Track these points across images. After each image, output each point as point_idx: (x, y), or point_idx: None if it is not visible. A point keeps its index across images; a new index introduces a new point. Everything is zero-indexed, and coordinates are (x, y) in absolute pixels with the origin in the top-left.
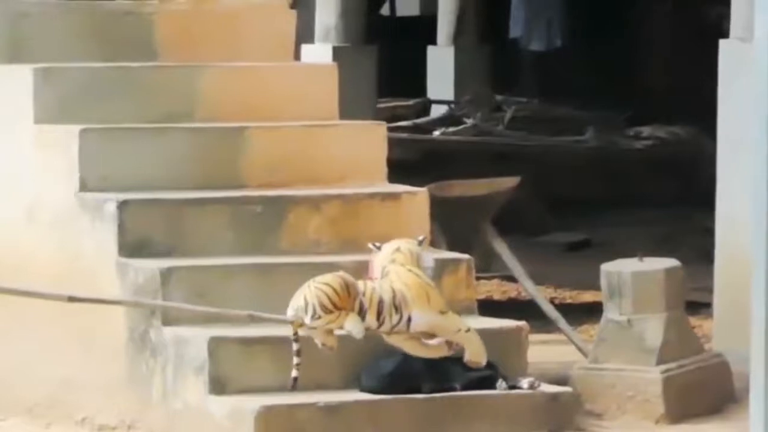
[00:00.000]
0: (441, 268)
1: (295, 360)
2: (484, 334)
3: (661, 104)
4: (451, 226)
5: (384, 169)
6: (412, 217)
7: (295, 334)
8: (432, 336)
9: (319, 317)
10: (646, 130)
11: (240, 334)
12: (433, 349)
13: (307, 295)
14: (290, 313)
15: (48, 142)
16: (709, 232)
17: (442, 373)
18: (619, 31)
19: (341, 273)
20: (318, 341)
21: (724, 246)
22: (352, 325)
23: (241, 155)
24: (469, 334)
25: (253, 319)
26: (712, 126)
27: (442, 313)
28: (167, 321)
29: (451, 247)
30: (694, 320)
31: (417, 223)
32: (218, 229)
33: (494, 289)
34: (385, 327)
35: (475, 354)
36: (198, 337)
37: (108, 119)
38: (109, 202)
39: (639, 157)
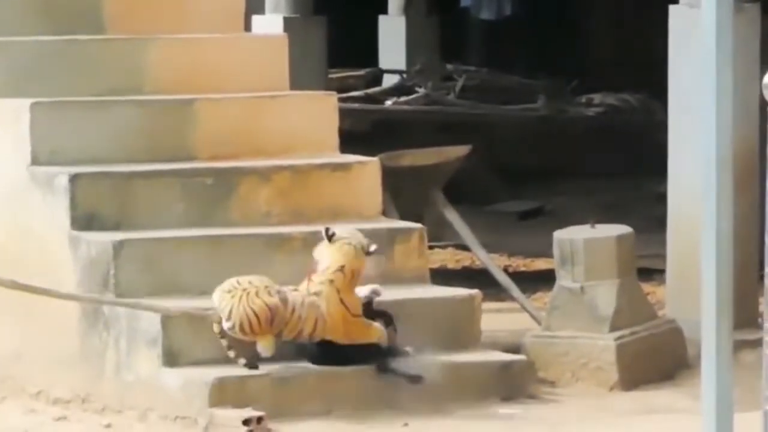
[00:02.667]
0: (392, 237)
1: (231, 354)
2: (436, 302)
3: (608, 72)
4: (402, 195)
5: (335, 140)
6: (362, 187)
7: (221, 332)
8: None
9: (236, 333)
10: (596, 98)
11: (192, 307)
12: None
13: (234, 310)
14: (215, 301)
15: None
16: (661, 199)
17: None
18: None
19: (276, 299)
20: (225, 344)
21: (676, 212)
22: (263, 348)
23: (190, 127)
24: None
25: (172, 313)
26: (661, 92)
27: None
28: (120, 294)
29: (403, 217)
30: (646, 287)
31: (368, 193)
32: (169, 201)
33: (448, 257)
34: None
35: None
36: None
37: (57, 93)
38: (61, 176)
39: (590, 124)
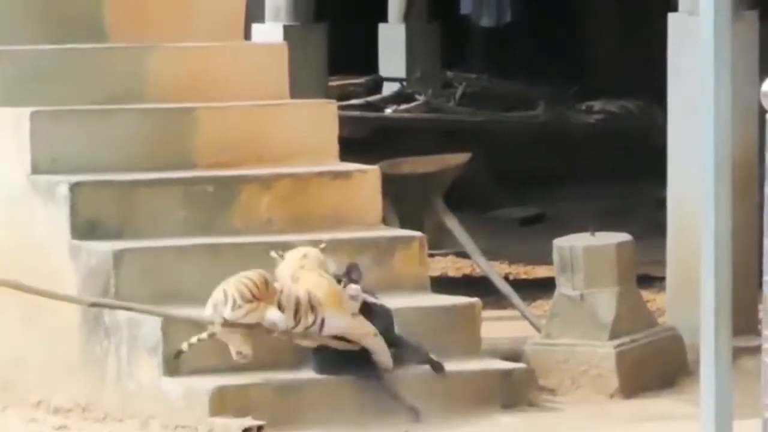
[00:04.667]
0: (393, 245)
1: (194, 339)
2: (437, 310)
3: (608, 78)
4: (403, 202)
5: (335, 148)
6: (363, 194)
7: (212, 335)
8: (340, 340)
9: (240, 307)
10: (597, 104)
11: (193, 315)
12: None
13: (227, 288)
14: (209, 310)
15: None
16: (660, 205)
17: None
18: (567, 5)
19: (261, 270)
20: (233, 349)
21: (676, 219)
22: (274, 314)
23: (191, 135)
24: (378, 339)
25: (169, 319)
26: (661, 99)
27: (354, 316)
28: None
29: (403, 224)
30: (647, 294)
31: (368, 201)
32: (170, 209)
33: (449, 265)
34: (300, 328)
35: (383, 361)
36: (151, 318)
37: (57, 101)
38: (62, 185)
39: (591, 131)
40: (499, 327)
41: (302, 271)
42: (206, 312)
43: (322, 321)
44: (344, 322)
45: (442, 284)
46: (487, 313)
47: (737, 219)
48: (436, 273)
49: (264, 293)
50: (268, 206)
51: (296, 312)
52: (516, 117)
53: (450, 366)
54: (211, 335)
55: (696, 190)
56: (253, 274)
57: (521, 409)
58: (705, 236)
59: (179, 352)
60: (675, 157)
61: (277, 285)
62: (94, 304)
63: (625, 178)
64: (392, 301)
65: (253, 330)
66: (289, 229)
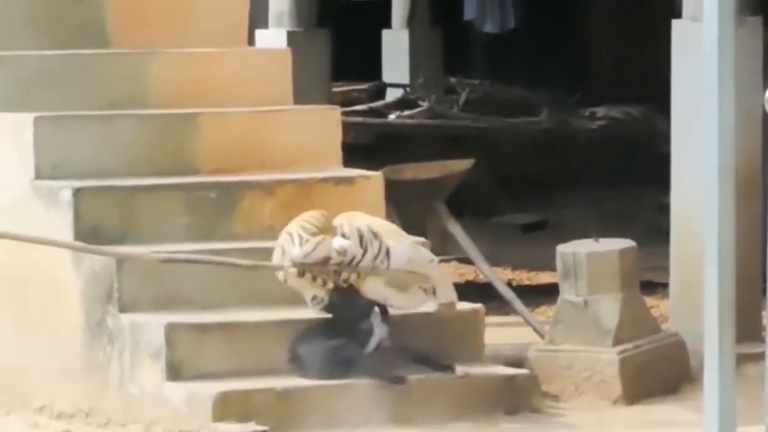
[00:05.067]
0: None
1: (314, 293)
2: (438, 318)
3: (611, 85)
4: (406, 208)
5: (339, 154)
6: (366, 200)
7: (284, 281)
8: (405, 284)
9: (307, 241)
10: (600, 111)
11: (196, 320)
12: (411, 298)
13: (290, 229)
14: (277, 257)
15: (1, 131)
16: (663, 210)
17: (381, 362)
18: (569, 12)
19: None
20: (307, 295)
21: (679, 224)
22: (342, 241)
23: (193, 141)
24: (440, 269)
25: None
26: (665, 105)
27: (413, 243)
28: (124, 307)
29: (406, 230)
30: (650, 300)
31: (371, 207)
32: (172, 215)
33: (452, 271)
34: (368, 257)
35: (447, 294)
36: (154, 322)
37: (60, 107)
38: (64, 190)
39: (594, 137)
40: (502, 333)
41: (344, 216)
42: (274, 259)
43: (387, 250)
44: (409, 250)
45: None
46: (490, 319)
47: (740, 225)
48: None
49: (327, 226)
50: (270, 212)
51: (361, 240)
52: (519, 123)
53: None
54: (284, 281)
55: (699, 196)
56: (311, 212)
57: (524, 415)
58: (708, 242)
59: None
60: (678, 163)
61: (335, 221)
62: (167, 260)
63: (628, 184)
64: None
65: (324, 269)
66: None
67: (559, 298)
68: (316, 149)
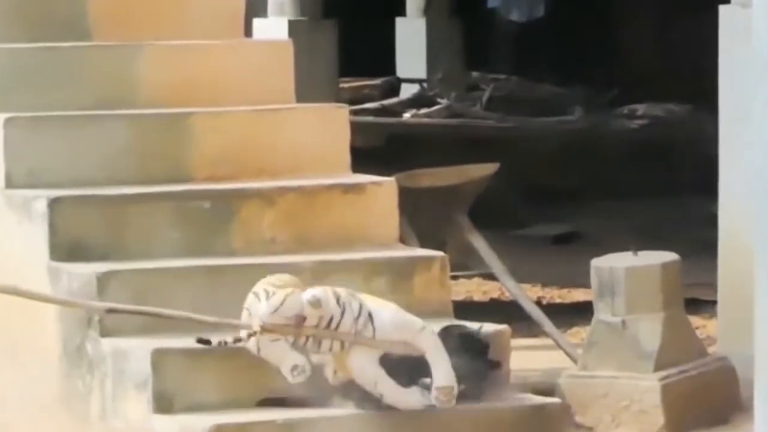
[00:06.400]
0: (412, 266)
1: (229, 338)
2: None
3: (652, 80)
4: (422, 219)
5: (347, 158)
6: (378, 210)
7: (249, 337)
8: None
9: (274, 293)
10: (640, 108)
11: (187, 345)
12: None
13: (255, 289)
14: (244, 319)
15: None
16: (710, 221)
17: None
18: None
19: None
20: (285, 367)
21: (727, 237)
22: (314, 291)
23: (185, 144)
24: (435, 339)
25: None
26: (711, 103)
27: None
28: (106, 331)
29: (423, 243)
30: (696, 320)
31: (383, 217)
32: (162, 227)
33: (474, 288)
34: (348, 318)
35: (444, 374)
36: (140, 349)
37: (35, 107)
38: (39, 200)
39: (632, 138)
40: (530, 357)
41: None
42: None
43: (370, 315)
44: (395, 315)
45: (467, 309)
46: (516, 342)
47: None
48: (460, 297)
49: (295, 282)
50: (271, 224)
51: (338, 300)
52: (549, 123)
53: (476, 402)
54: (249, 336)
55: (749, 204)
56: (277, 274)
57: None
58: (759, 255)
59: (206, 341)
60: (726, 168)
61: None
62: (111, 311)
63: (670, 192)
64: None
65: (299, 332)
66: (294, 249)
67: (594, 318)
68: (321, 153)
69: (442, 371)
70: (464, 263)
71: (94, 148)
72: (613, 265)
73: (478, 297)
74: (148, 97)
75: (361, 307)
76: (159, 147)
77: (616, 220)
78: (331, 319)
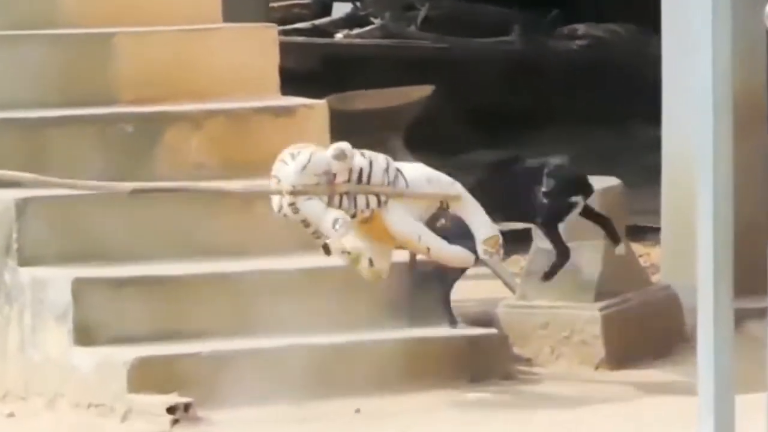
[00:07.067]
0: None
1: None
2: (398, 267)
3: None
4: (355, 143)
5: (276, 80)
6: (309, 134)
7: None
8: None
9: (299, 153)
10: (581, 28)
11: (110, 274)
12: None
13: (280, 157)
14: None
15: None
16: (654, 147)
17: None
18: None
19: None
20: (327, 221)
21: (671, 162)
22: (338, 144)
23: (109, 66)
24: (466, 191)
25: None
26: (655, 24)
27: None
28: (25, 260)
29: None
30: (638, 248)
31: (315, 141)
32: (84, 152)
33: None
34: (377, 170)
35: (485, 226)
36: (60, 278)
37: None
38: None
39: (573, 60)
40: (467, 287)
41: None
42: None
43: (398, 169)
44: (423, 168)
45: None
46: None
47: (739, 161)
48: None
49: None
50: (198, 148)
51: (363, 154)
52: (487, 44)
53: (409, 333)
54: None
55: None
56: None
57: (492, 382)
58: (702, 182)
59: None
60: (670, 91)
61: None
62: (135, 191)
63: (613, 117)
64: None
65: (332, 190)
66: (223, 174)
67: (533, 246)
68: (249, 75)
69: (483, 224)
70: None
71: (14, 70)
72: None
73: None
74: (70, 16)
75: (388, 161)
76: (81, 68)
77: (557, 145)
78: (360, 172)
